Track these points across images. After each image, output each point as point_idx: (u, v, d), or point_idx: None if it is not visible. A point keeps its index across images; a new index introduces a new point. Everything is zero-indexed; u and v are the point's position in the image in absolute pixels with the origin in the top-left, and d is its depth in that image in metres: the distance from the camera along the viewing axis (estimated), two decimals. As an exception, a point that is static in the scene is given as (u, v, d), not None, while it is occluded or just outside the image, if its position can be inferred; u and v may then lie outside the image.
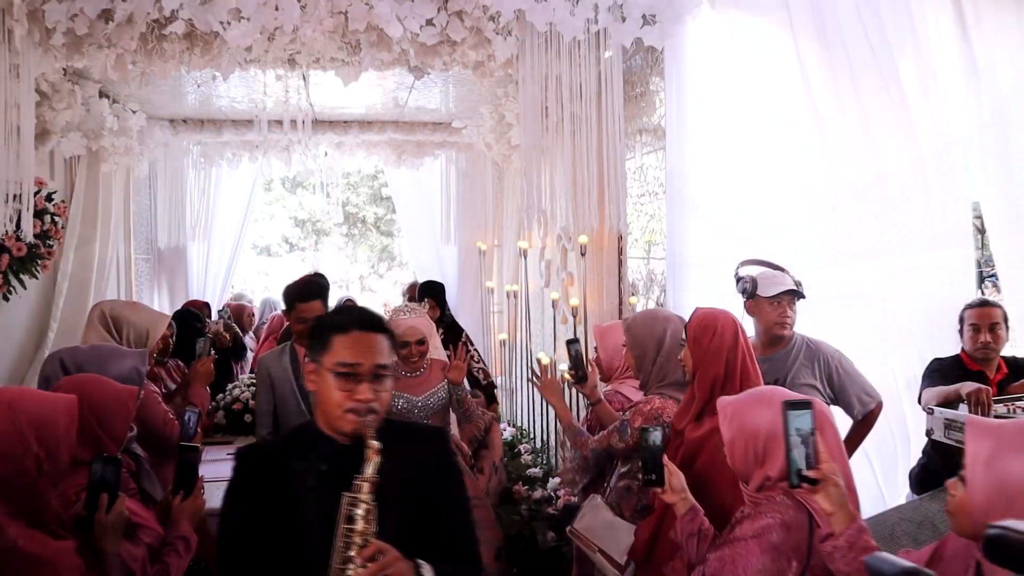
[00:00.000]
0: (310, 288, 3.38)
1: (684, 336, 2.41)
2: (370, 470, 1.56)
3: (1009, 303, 3.54)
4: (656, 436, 2.11)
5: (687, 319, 2.46)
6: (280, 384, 3.29)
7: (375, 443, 1.58)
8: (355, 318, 1.70)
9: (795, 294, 2.98)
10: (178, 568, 2.11)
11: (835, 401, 2.90)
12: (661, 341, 2.62)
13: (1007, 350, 3.26)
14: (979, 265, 4.17)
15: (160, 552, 2.10)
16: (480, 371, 4.85)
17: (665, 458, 2.11)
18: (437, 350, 3.52)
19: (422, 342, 3.25)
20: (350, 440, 1.63)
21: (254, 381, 4.32)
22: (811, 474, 1.67)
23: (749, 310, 3.04)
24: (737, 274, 3.11)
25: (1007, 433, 1.40)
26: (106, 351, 2.73)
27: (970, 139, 3.53)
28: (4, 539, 1.66)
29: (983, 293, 4.26)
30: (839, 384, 2.89)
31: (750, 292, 3.02)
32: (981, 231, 3.80)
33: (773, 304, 2.97)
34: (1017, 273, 3.59)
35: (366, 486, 1.55)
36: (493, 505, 3.69)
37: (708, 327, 2.32)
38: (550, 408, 4.57)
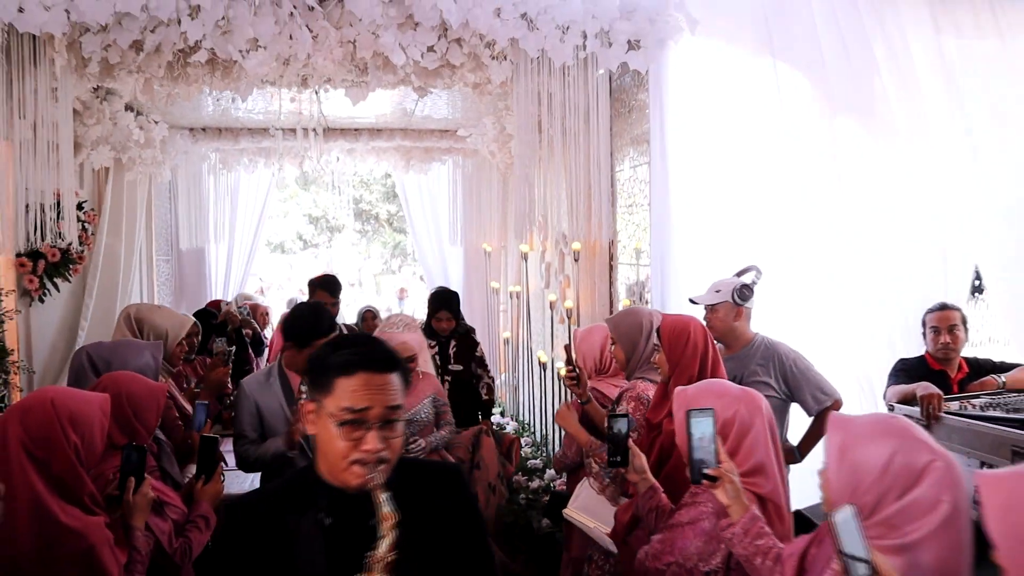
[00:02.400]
0: (326, 322, 2.96)
1: (658, 341, 2.64)
2: (384, 548, 1.36)
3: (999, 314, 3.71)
4: (622, 424, 2.39)
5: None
6: (271, 414, 2.93)
7: (389, 513, 1.38)
8: (361, 357, 1.44)
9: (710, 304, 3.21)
10: (199, 543, 2.40)
11: (791, 398, 3.11)
12: (649, 333, 2.87)
13: (968, 351, 3.46)
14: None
15: (184, 528, 2.39)
16: (485, 386, 4.68)
17: (630, 442, 2.38)
18: (426, 363, 3.55)
19: (412, 359, 3.20)
20: (357, 490, 1.44)
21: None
22: (710, 472, 1.93)
23: None
24: None
25: (855, 426, 1.61)
26: (125, 346, 2.97)
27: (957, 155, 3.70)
28: (46, 512, 1.94)
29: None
30: (794, 383, 3.08)
31: None
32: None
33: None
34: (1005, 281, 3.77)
35: (379, 567, 1.36)
36: (492, 534, 3.49)
37: (682, 333, 2.55)
38: (548, 405, 4.84)
